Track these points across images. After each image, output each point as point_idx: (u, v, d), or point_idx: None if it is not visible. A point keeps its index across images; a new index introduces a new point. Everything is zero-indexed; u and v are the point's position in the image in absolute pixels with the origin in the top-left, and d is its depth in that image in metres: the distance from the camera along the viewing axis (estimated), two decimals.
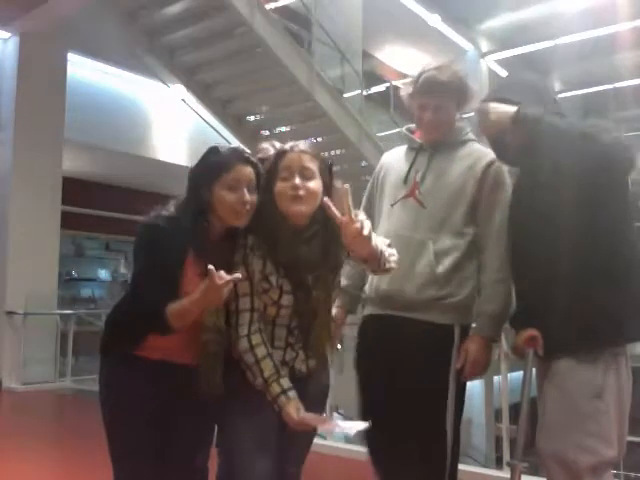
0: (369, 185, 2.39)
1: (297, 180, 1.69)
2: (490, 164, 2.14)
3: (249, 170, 1.75)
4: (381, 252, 1.72)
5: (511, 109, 1.88)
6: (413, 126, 2.33)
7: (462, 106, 2.20)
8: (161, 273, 1.68)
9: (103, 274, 12.58)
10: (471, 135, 2.26)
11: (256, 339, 1.71)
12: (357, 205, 2.40)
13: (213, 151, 1.79)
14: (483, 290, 2.10)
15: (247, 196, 1.73)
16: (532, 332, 1.85)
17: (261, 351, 1.70)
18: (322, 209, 1.69)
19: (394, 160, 2.33)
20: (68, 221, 8.55)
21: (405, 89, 2.23)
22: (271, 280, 1.71)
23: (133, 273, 1.84)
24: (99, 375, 1.85)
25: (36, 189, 7.50)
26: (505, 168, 2.16)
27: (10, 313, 7.22)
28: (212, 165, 1.75)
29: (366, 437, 2.19)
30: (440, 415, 2.05)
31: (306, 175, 1.71)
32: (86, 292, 12.13)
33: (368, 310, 2.24)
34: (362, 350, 2.25)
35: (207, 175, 1.74)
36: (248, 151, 1.82)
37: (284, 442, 1.78)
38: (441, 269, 2.09)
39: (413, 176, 2.19)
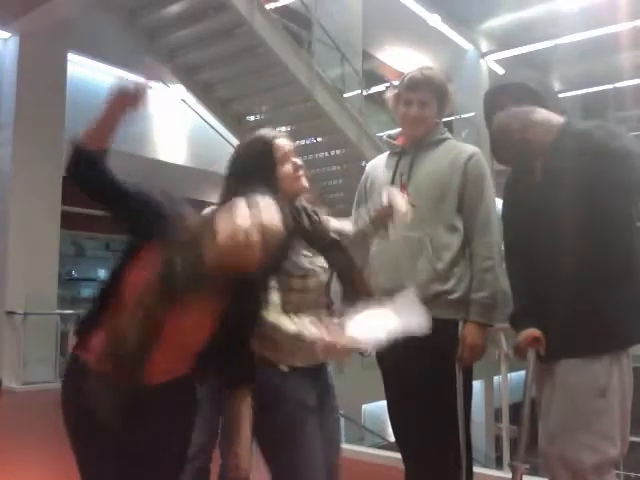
0: (357, 195, 2.46)
1: (298, 160, 1.77)
2: (471, 157, 2.25)
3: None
4: None
5: (559, 119, 1.77)
6: (394, 133, 2.42)
7: (442, 107, 2.30)
8: None
9: (103, 274, 12.59)
10: (448, 134, 2.36)
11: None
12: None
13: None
14: (474, 279, 2.19)
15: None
16: (534, 332, 1.84)
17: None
18: None
19: (379, 167, 2.42)
20: (68, 221, 8.55)
21: (390, 92, 2.35)
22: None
23: None
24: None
25: (36, 189, 7.50)
26: (484, 159, 2.27)
27: (10, 313, 7.22)
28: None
29: (395, 437, 2.30)
30: (451, 413, 2.11)
31: (297, 154, 1.80)
32: (86, 292, 12.13)
33: None
34: (379, 352, 2.31)
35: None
36: None
37: None
38: (441, 265, 2.16)
39: (399, 179, 2.28)
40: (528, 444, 1.87)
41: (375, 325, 1.65)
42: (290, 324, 1.63)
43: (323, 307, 1.77)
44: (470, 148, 2.29)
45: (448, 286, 2.17)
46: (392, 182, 2.27)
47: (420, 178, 2.24)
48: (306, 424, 1.72)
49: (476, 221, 2.21)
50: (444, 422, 2.12)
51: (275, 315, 1.64)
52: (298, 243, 1.73)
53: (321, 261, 1.76)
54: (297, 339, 1.61)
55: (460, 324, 2.17)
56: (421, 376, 2.11)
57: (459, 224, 2.22)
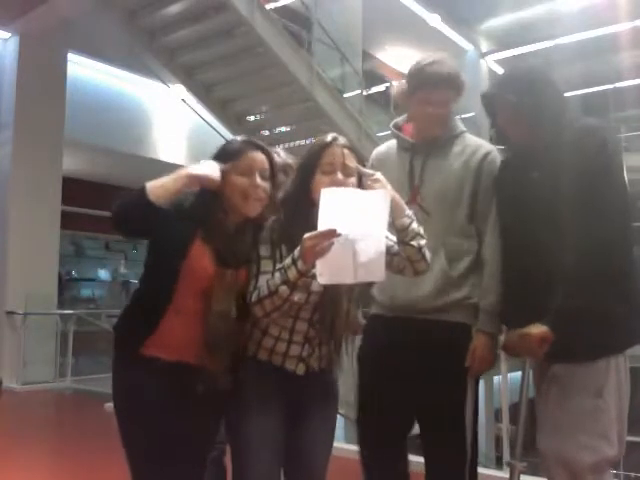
0: None
1: (340, 176, 1.73)
2: (485, 156, 2.12)
3: (261, 157, 1.79)
4: (404, 209, 1.74)
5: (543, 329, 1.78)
6: (400, 120, 2.27)
7: (457, 100, 2.16)
8: (165, 249, 1.72)
9: (103, 274, 12.60)
10: (462, 127, 2.22)
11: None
12: None
13: (226, 143, 1.84)
14: (483, 284, 2.08)
15: (259, 180, 1.76)
16: (546, 333, 1.79)
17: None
18: None
19: (388, 160, 2.25)
20: (68, 221, 8.55)
21: (400, 85, 2.18)
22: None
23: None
24: (112, 376, 1.79)
25: (36, 189, 7.50)
26: (499, 157, 2.14)
27: (10, 313, 7.22)
28: (224, 154, 1.79)
29: (360, 436, 2.21)
30: (459, 414, 2.05)
31: (347, 172, 1.75)
32: (86, 292, 12.14)
33: (378, 310, 2.20)
34: (371, 351, 2.21)
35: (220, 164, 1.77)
36: (260, 142, 1.84)
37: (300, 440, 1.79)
38: (456, 273, 2.07)
39: (411, 181, 2.14)
40: (525, 443, 1.88)
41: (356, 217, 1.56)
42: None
43: (305, 320, 1.76)
44: (485, 146, 2.15)
45: (463, 293, 2.07)
46: (410, 186, 2.13)
47: (433, 182, 2.11)
48: (247, 419, 1.72)
49: (489, 222, 2.09)
50: (454, 424, 2.04)
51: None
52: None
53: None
54: (278, 275, 1.63)
55: (474, 330, 2.07)
56: (434, 377, 2.02)
57: (473, 230, 2.11)
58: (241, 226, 1.79)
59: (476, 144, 2.16)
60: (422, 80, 2.09)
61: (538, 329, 1.76)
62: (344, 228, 1.51)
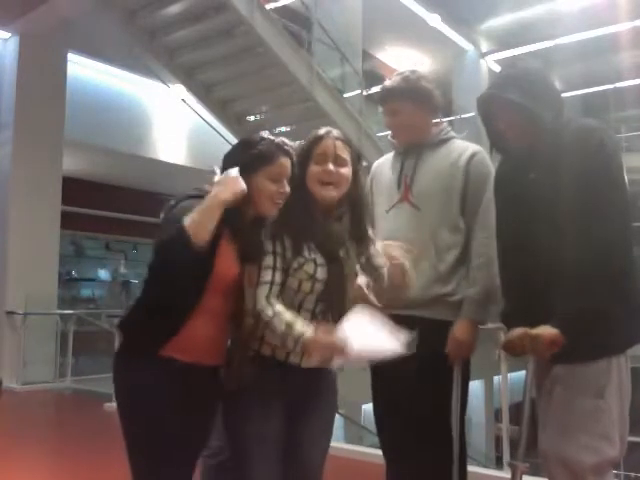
0: None
1: (331, 166, 1.78)
2: (473, 156, 2.24)
3: (288, 163, 1.80)
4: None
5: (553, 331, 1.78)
6: None
7: (428, 108, 2.26)
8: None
9: (103, 274, 12.59)
10: (452, 133, 2.34)
11: (279, 306, 1.72)
12: None
13: (253, 142, 1.80)
14: (470, 275, 2.17)
15: (286, 187, 1.78)
16: (557, 335, 1.77)
17: (289, 315, 1.70)
18: (350, 192, 1.81)
19: (384, 167, 2.41)
20: (68, 221, 8.55)
21: None
22: (304, 254, 1.76)
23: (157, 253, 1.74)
24: (117, 376, 1.77)
25: (36, 189, 7.50)
26: (488, 158, 2.24)
27: (10, 313, 7.22)
28: (258, 156, 1.77)
29: (380, 437, 2.29)
30: (445, 414, 2.10)
31: (339, 162, 1.80)
32: (86, 292, 12.15)
33: None
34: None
35: (249, 165, 1.75)
36: (288, 143, 1.83)
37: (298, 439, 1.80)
38: (443, 267, 2.16)
39: (403, 180, 2.27)
40: (528, 444, 1.87)
41: (374, 338, 1.67)
42: (285, 311, 1.69)
43: (308, 312, 1.78)
44: (472, 147, 2.27)
45: (449, 288, 2.16)
46: (398, 182, 2.27)
47: (423, 181, 2.23)
48: (249, 418, 1.74)
49: (477, 219, 2.19)
50: (438, 422, 2.10)
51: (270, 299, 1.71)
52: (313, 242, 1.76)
53: (321, 271, 1.76)
54: (288, 326, 1.66)
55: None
56: (418, 376, 2.07)
57: (462, 224, 2.21)
58: (254, 222, 1.80)
59: (464, 146, 2.29)
60: (379, 94, 2.31)
61: (549, 331, 1.74)
62: (358, 344, 1.62)
